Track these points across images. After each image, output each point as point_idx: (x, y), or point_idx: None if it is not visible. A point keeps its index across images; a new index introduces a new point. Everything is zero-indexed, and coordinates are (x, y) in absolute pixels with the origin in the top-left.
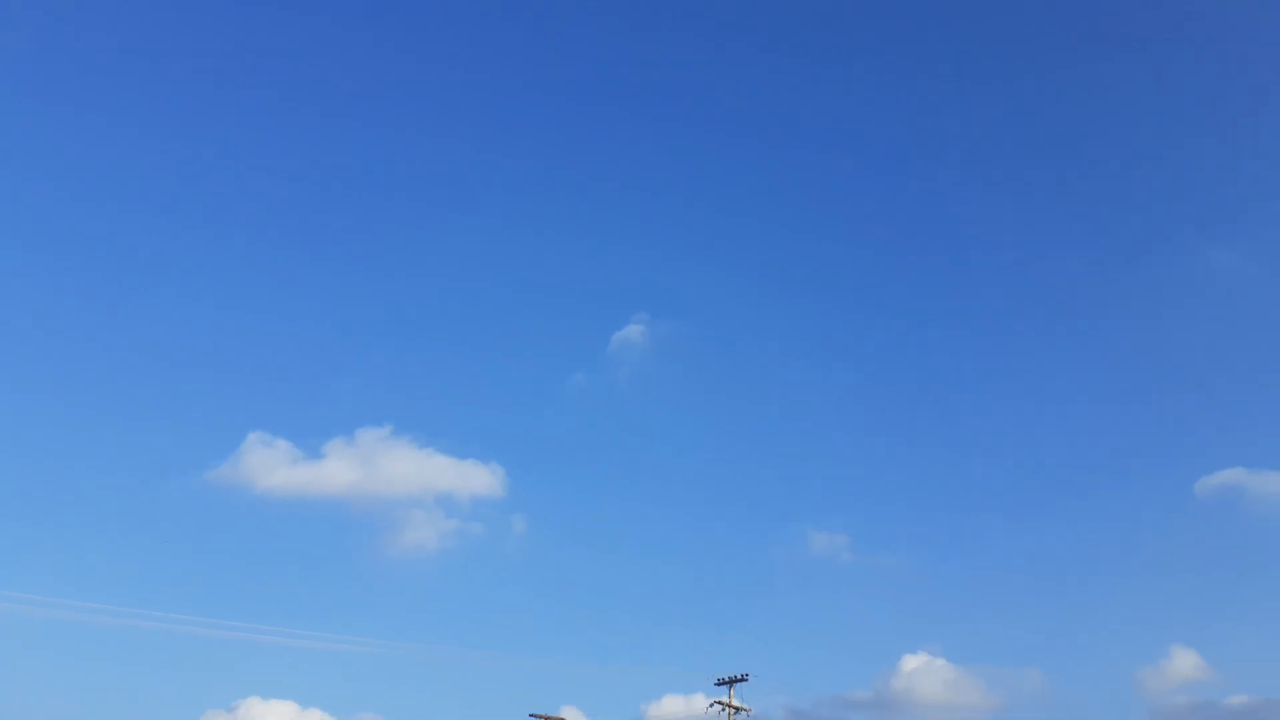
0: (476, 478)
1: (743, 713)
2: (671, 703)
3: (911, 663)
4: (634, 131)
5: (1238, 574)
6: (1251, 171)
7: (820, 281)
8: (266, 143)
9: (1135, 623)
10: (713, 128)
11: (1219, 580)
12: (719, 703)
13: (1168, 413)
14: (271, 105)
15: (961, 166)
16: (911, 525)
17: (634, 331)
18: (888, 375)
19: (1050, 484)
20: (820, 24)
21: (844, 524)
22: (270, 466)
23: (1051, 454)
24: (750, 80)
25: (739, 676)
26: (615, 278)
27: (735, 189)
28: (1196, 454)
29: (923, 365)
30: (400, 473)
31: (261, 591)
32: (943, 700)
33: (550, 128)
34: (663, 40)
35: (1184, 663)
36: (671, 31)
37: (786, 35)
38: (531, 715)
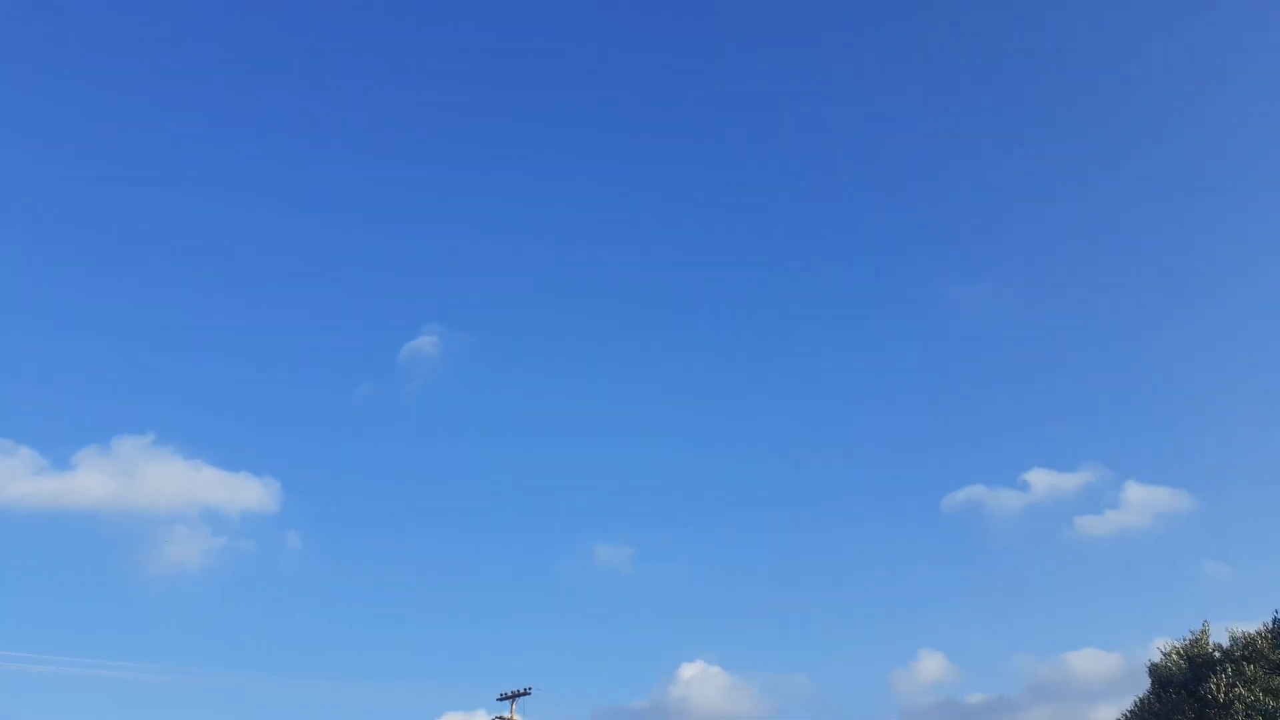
0: (248, 491)
1: None
2: None
3: (689, 671)
4: (433, 142)
5: (976, 581)
6: (994, 210)
7: (612, 298)
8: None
9: (890, 628)
10: (509, 146)
11: (960, 587)
12: (500, 718)
13: (919, 434)
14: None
15: (741, 183)
16: (691, 536)
17: (426, 342)
18: (674, 388)
19: (817, 497)
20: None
21: (628, 537)
22: (11, 476)
23: (818, 468)
24: (545, 98)
25: (522, 691)
26: (408, 287)
27: (534, 204)
28: (943, 472)
29: (708, 378)
30: (162, 485)
31: (2, 613)
32: (718, 707)
33: (345, 131)
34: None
35: (931, 664)
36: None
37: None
38: None
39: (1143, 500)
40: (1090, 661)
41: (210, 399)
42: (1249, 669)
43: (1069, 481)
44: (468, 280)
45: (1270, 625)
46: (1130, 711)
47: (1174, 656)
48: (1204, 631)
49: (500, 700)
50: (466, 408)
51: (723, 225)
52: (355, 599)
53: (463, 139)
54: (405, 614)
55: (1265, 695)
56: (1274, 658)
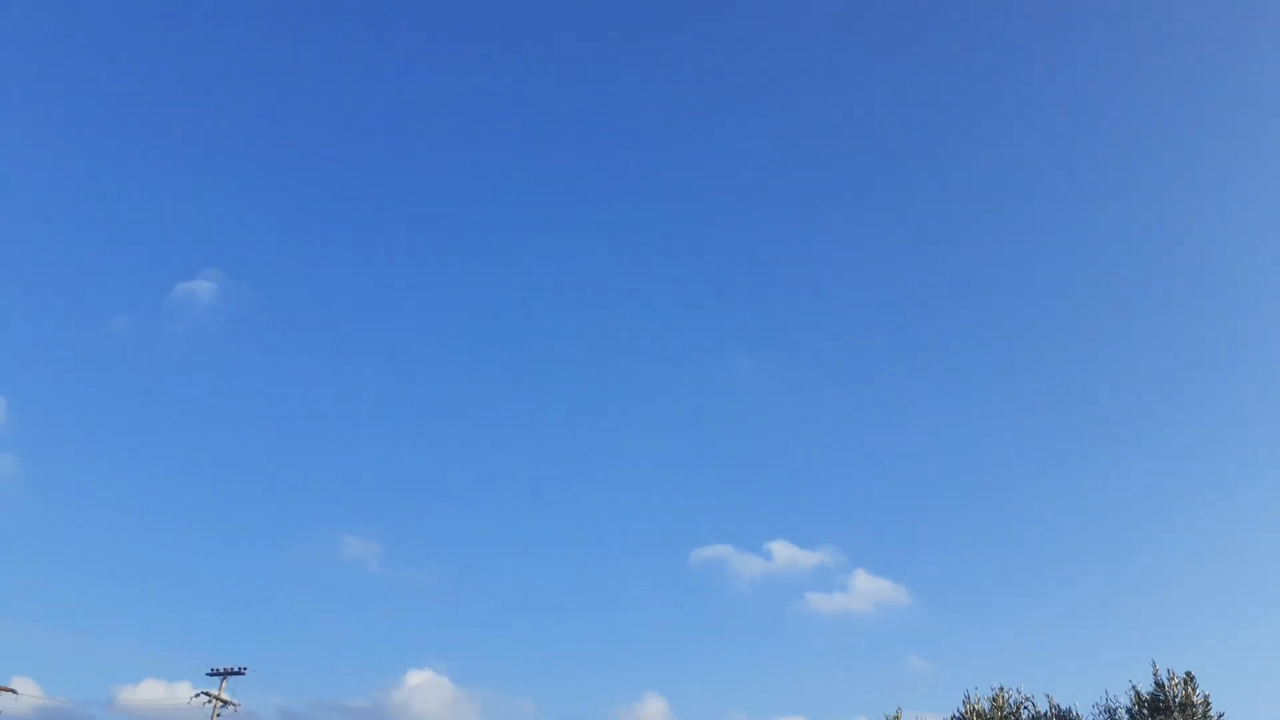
0: None
1: (230, 707)
2: (152, 687)
3: (416, 678)
4: (234, 90)
5: (709, 635)
6: (778, 303)
7: (404, 277)
8: None
9: (621, 667)
10: (300, 104)
11: (693, 638)
12: (206, 694)
13: (687, 487)
14: None
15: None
16: (440, 542)
17: (201, 286)
18: (447, 379)
19: (578, 526)
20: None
21: (378, 532)
22: None
23: (587, 499)
24: (362, 51)
25: (236, 669)
26: (190, 228)
27: (333, 161)
28: (698, 527)
29: (488, 379)
30: None
31: None
32: (439, 717)
33: (143, 76)
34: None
35: (653, 708)
36: None
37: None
38: None
39: (868, 588)
40: None
41: None
42: None
43: (808, 558)
44: (253, 228)
45: (950, 718)
46: None
47: None
48: (897, 716)
49: (211, 675)
50: (228, 360)
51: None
52: (62, 539)
53: (272, 87)
54: (116, 566)
55: None
56: None
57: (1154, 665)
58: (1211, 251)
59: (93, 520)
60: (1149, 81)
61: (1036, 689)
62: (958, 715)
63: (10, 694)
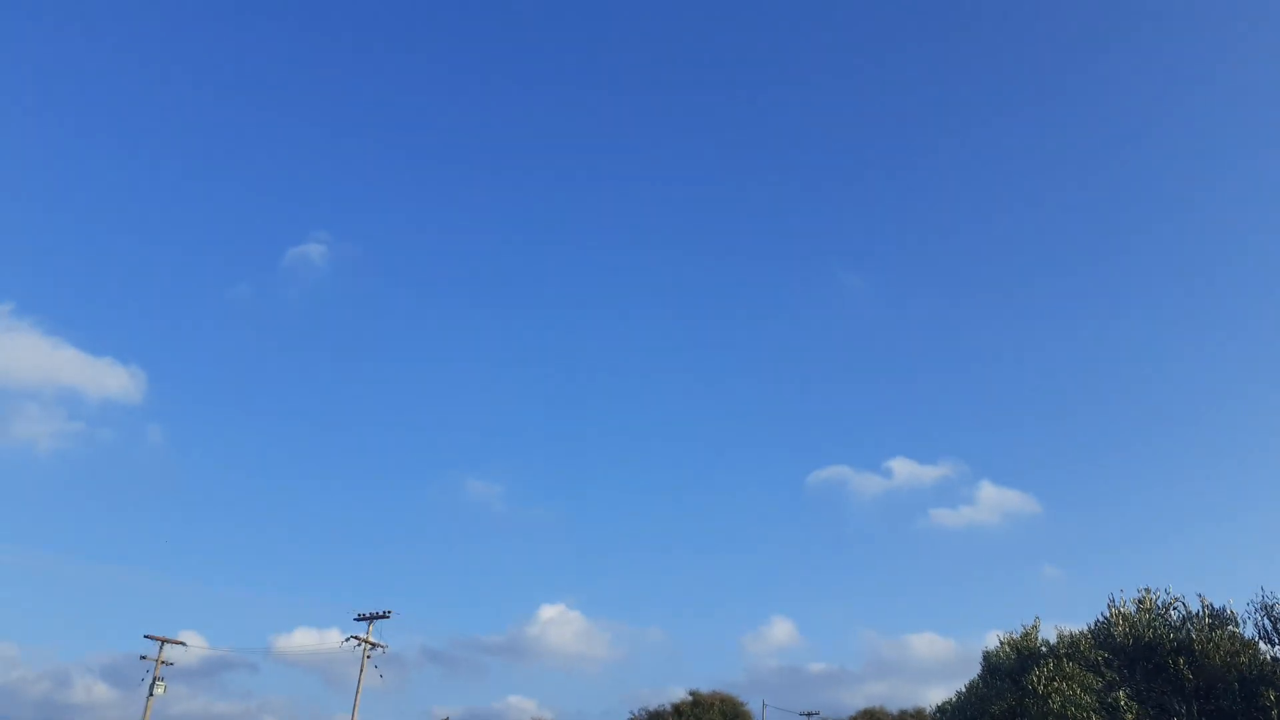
0: (112, 378)
1: (379, 649)
2: (304, 636)
3: (548, 612)
4: (333, 57)
5: (831, 556)
6: (879, 213)
7: (509, 222)
8: None
9: (747, 592)
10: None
11: (816, 560)
12: (355, 638)
13: (794, 412)
14: None
15: (662, 168)
16: (564, 482)
17: (313, 250)
18: (553, 319)
19: (693, 460)
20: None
21: (500, 474)
22: None
23: (699, 434)
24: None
25: (381, 613)
26: (297, 193)
27: (439, 129)
28: (813, 451)
29: (603, 342)
30: (15, 358)
31: None
32: (572, 650)
33: (251, 51)
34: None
35: (780, 631)
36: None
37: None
38: (147, 637)
39: (994, 500)
40: (928, 644)
41: (80, 276)
42: (1068, 666)
43: (929, 473)
44: (357, 191)
45: (1092, 628)
46: (960, 693)
47: (1005, 647)
48: (1034, 627)
49: (358, 620)
50: (346, 319)
51: (639, 202)
52: (212, 498)
53: (365, 62)
54: (261, 521)
55: (1081, 690)
56: (1092, 657)
57: None
58: None
59: (239, 482)
60: None
61: (1185, 589)
62: (1101, 620)
63: (179, 646)
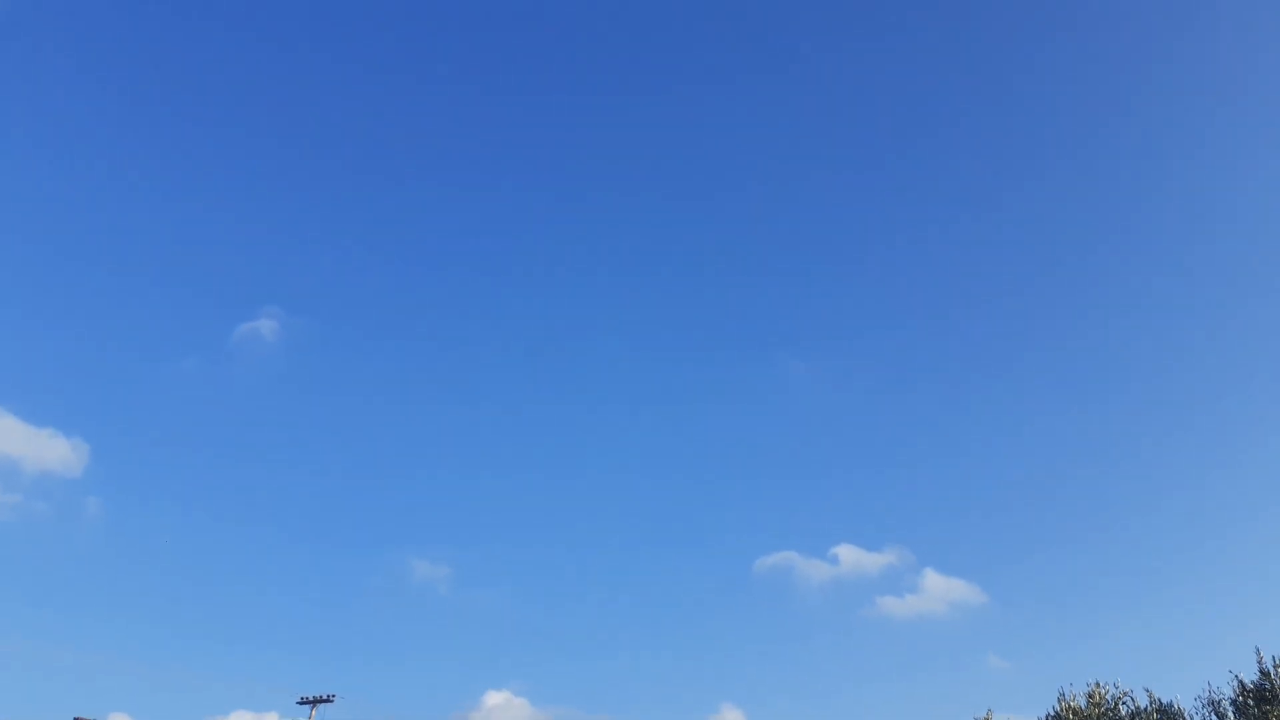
0: (53, 450)
1: None
2: (242, 718)
3: (494, 698)
4: (280, 126)
5: (781, 645)
6: (824, 298)
7: (459, 308)
8: None
9: (696, 679)
10: (343, 130)
11: (766, 649)
12: None
13: (743, 497)
14: None
15: (613, 258)
16: (511, 565)
17: (264, 325)
18: (518, 406)
19: (643, 543)
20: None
21: (447, 555)
22: None
23: (650, 516)
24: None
25: (324, 697)
26: (247, 268)
27: (385, 190)
28: (760, 535)
29: (547, 407)
30: None
31: None
32: None
33: (206, 116)
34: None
35: (730, 718)
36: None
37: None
38: (76, 719)
39: (940, 589)
40: None
41: (26, 344)
42: None
43: (875, 561)
44: (312, 264)
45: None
46: None
47: None
48: (988, 718)
49: (300, 704)
50: (295, 396)
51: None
52: (149, 574)
53: (308, 119)
54: (199, 601)
55: None
56: None
57: (1258, 653)
58: None
59: (176, 559)
60: None
61: (1132, 683)
62: (1051, 714)
63: None
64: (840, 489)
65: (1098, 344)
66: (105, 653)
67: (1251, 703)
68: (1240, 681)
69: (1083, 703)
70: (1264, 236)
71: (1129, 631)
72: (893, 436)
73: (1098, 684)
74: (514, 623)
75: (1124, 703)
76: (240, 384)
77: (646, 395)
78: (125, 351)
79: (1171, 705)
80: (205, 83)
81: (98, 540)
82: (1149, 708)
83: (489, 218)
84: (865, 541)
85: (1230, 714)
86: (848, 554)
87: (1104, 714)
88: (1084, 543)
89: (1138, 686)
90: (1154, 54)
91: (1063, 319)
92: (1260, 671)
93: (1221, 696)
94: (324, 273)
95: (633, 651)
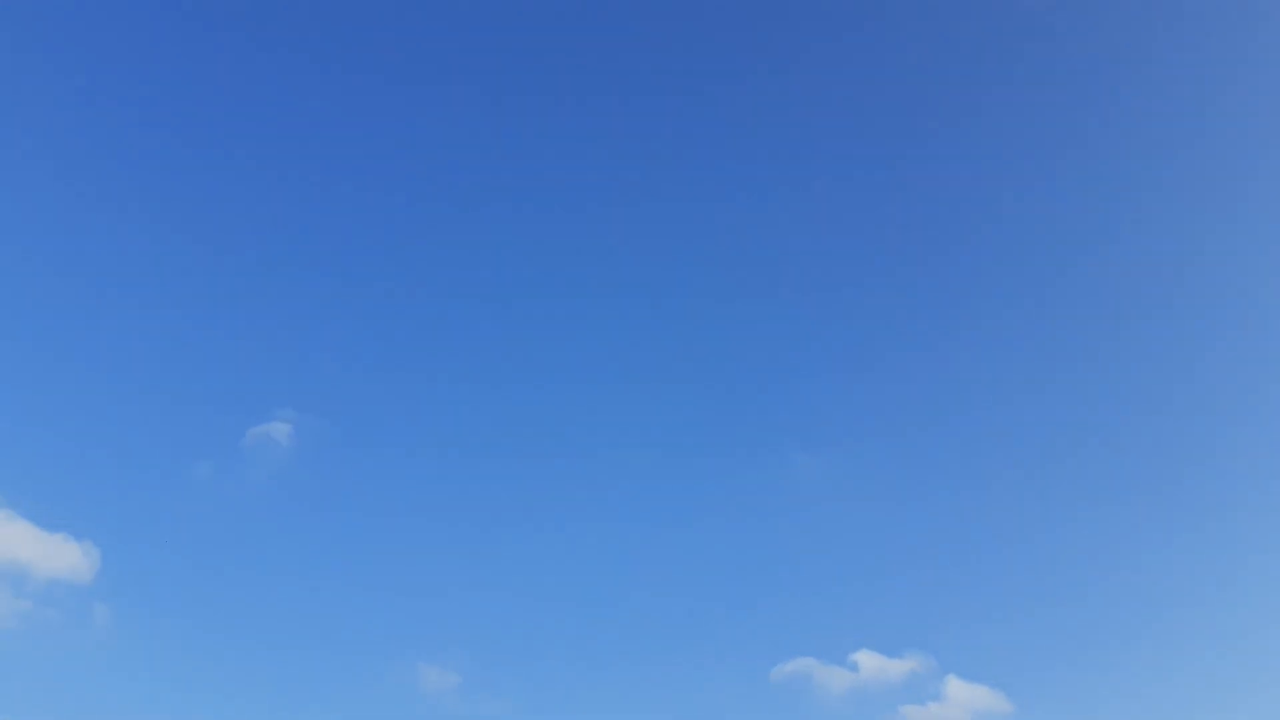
0: (63, 555)
1: None
2: None
3: None
4: (285, 224)
5: None
6: (833, 390)
7: (463, 423)
8: None
9: None
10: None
11: None
12: None
13: (756, 601)
14: None
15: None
16: (522, 673)
17: (276, 428)
18: (528, 514)
19: (658, 652)
20: None
21: (457, 661)
22: None
23: (662, 622)
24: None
25: None
26: (258, 369)
27: (396, 283)
28: (776, 641)
29: (588, 512)
30: None
31: None
32: None
33: (203, 213)
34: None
35: None
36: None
37: None
38: None
39: (963, 697)
40: None
41: (38, 448)
42: None
43: (896, 667)
44: (323, 364)
45: None
46: None
47: None
48: None
49: None
50: (306, 501)
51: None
52: (156, 684)
53: (311, 224)
54: (205, 710)
55: None
56: None
57: None
58: None
59: (184, 668)
60: None
61: None
62: None
63: None
64: (857, 591)
65: (1130, 440)
66: None
67: None
68: None
69: None
70: None
71: None
72: (910, 535)
73: None
74: None
75: None
76: (252, 489)
77: (650, 499)
78: (138, 455)
79: None
80: (220, 178)
81: (106, 649)
82: None
83: (494, 325)
84: (885, 647)
85: None
86: (868, 660)
87: None
88: (1116, 648)
89: None
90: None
91: (1093, 418)
92: None
93: None
94: (337, 374)
95: None
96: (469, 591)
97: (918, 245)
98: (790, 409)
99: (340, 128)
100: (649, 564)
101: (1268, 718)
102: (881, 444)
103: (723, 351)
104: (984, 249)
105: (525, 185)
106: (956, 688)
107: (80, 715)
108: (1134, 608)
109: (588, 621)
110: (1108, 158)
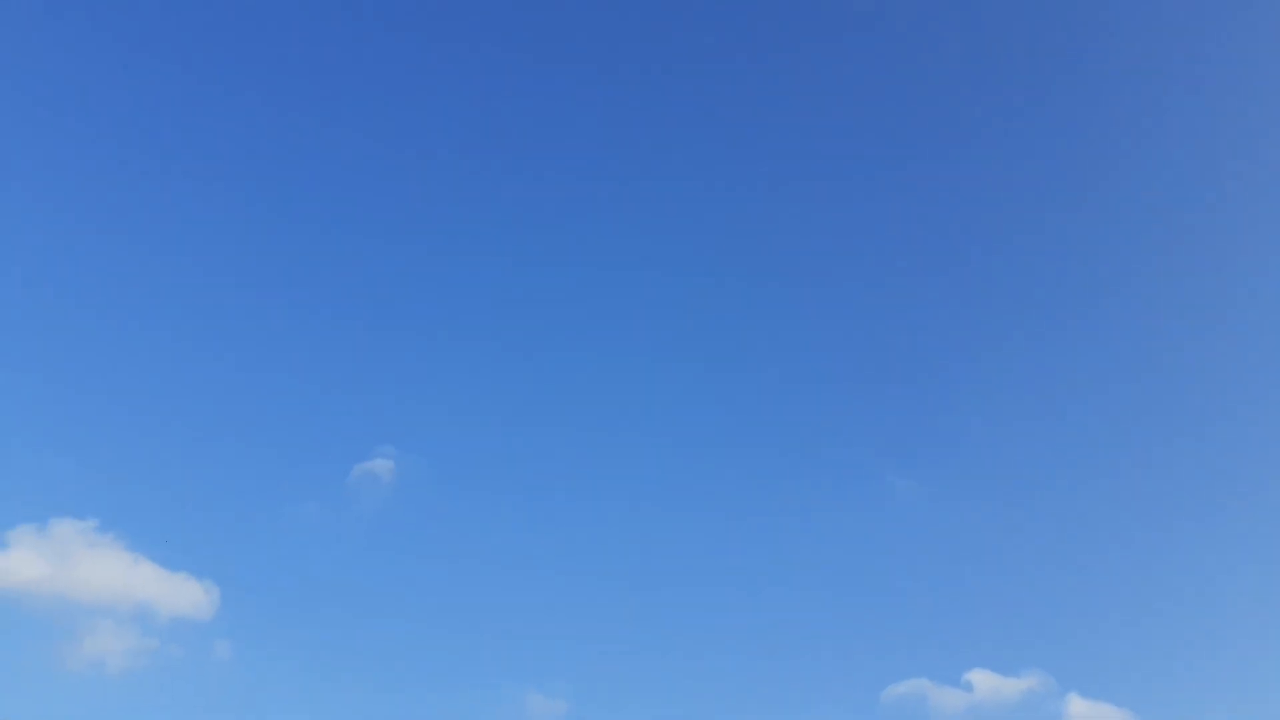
0: (185, 594)
1: None
2: None
3: None
4: (385, 275)
5: None
6: (928, 410)
7: (584, 419)
8: None
9: None
10: (457, 254)
11: None
12: None
13: (862, 623)
14: None
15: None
16: (629, 696)
17: (380, 465)
18: (635, 532)
19: (760, 680)
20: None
21: (563, 688)
22: None
23: (758, 657)
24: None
25: None
26: (360, 407)
27: (492, 320)
28: (886, 663)
29: (674, 547)
30: (97, 575)
31: None
32: None
33: (297, 256)
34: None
35: None
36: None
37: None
38: None
39: (1087, 715)
40: None
41: (158, 492)
42: None
43: (1013, 686)
44: (422, 402)
45: None
46: None
47: None
48: None
49: None
50: (411, 535)
51: (700, 397)
52: (277, 717)
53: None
54: None
55: None
56: None
57: None
58: None
59: (302, 702)
60: None
61: None
62: None
63: None
64: (969, 609)
65: (1256, 447)
66: None
67: None
68: None
69: None
70: None
71: None
72: (1019, 552)
73: None
74: None
75: None
76: (358, 526)
77: (754, 525)
78: (251, 496)
79: None
80: (321, 231)
81: (228, 682)
82: None
83: (591, 367)
84: (1001, 665)
85: None
86: (983, 680)
87: None
88: (1249, 661)
89: None
90: None
91: (1213, 427)
92: None
93: None
94: (434, 413)
95: None
96: (573, 621)
97: (1045, 242)
98: (887, 429)
99: (440, 185)
100: (754, 589)
101: None
102: (982, 465)
103: (817, 375)
104: (1069, 258)
105: (655, 252)
106: (1079, 707)
107: None
108: (1268, 618)
109: (692, 648)
110: (1191, 160)
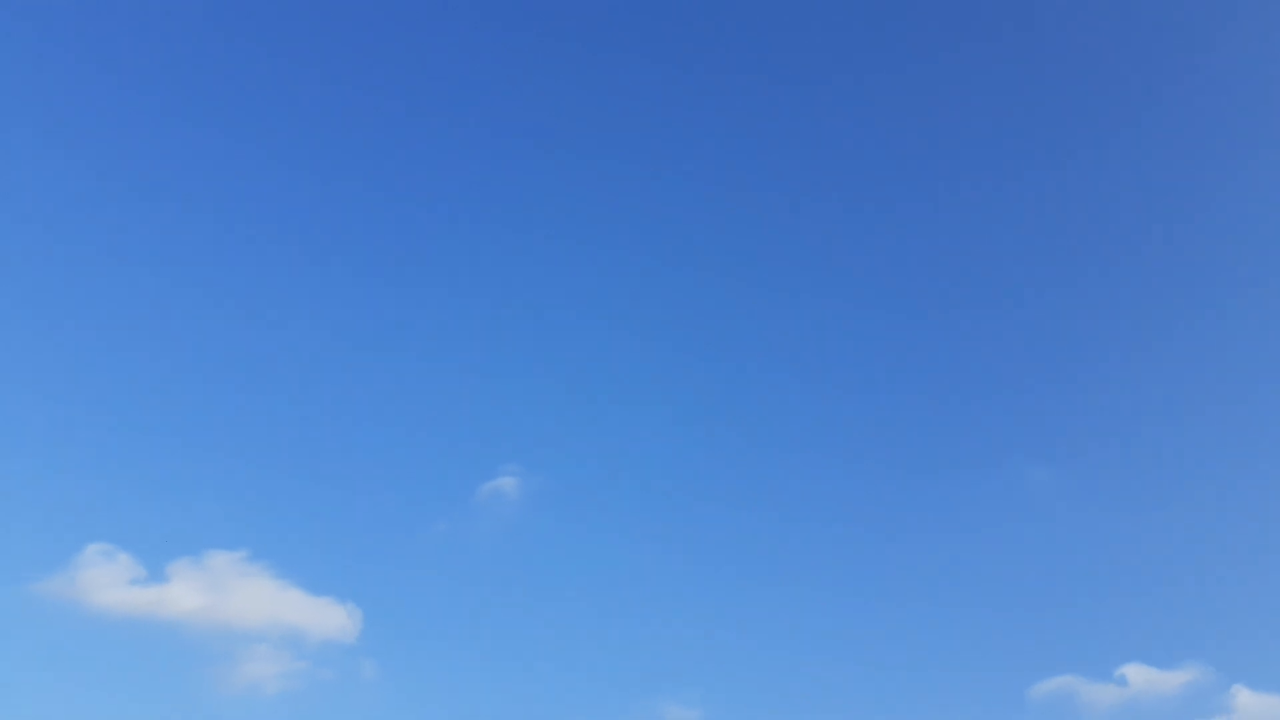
0: (331, 617)
1: None
2: None
3: None
4: (499, 288)
5: None
6: (1072, 397)
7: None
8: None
9: None
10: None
11: None
12: None
13: (1008, 618)
14: None
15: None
16: (764, 706)
17: (505, 483)
18: (762, 538)
19: (902, 675)
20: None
21: (697, 698)
22: (109, 583)
23: (897, 658)
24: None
25: None
26: (486, 425)
27: (623, 332)
28: (1033, 659)
29: (790, 557)
30: (250, 603)
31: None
32: None
33: (423, 280)
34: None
35: None
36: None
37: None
38: None
39: (1256, 710)
40: None
41: (301, 520)
42: None
43: (1170, 680)
44: (548, 420)
45: None
46: None
47: None
48: None
49: None
50: (538, 552)
51: (807, 406)
52: None
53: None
54: None
55: None
56: None
57: None
58: None
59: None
60: None
61: None
62: None
63: None
64: (1119, 600)
65: None
66: None
67: None
68: None
69: None
70: None
71: None
72: (1166, 540)
73: None
74: None
75: None
76: (489, 543)
77: (888, 516)
78: (385, 516)
79: None
80: (444, 239)
81: (378, 703)
82: None
83: (707, 374)
84: (1157, 659)
85: None
86: (1138, 674)
87: None
88: None
89: None
90: None
91: None
92: None
93: None
94: (558, 428)
95: None
96: (708, 629)
97: (1113, 247)
98: (1017, 419)
99: (569, 198)
100: (893, 584)
101: None
102: (1114, 451)
103: (947, 364)
104: (1187, 248)
105: (759, 262)
106: (1247, 700)
107: None
108: None
109: (829, 650)
110: None
